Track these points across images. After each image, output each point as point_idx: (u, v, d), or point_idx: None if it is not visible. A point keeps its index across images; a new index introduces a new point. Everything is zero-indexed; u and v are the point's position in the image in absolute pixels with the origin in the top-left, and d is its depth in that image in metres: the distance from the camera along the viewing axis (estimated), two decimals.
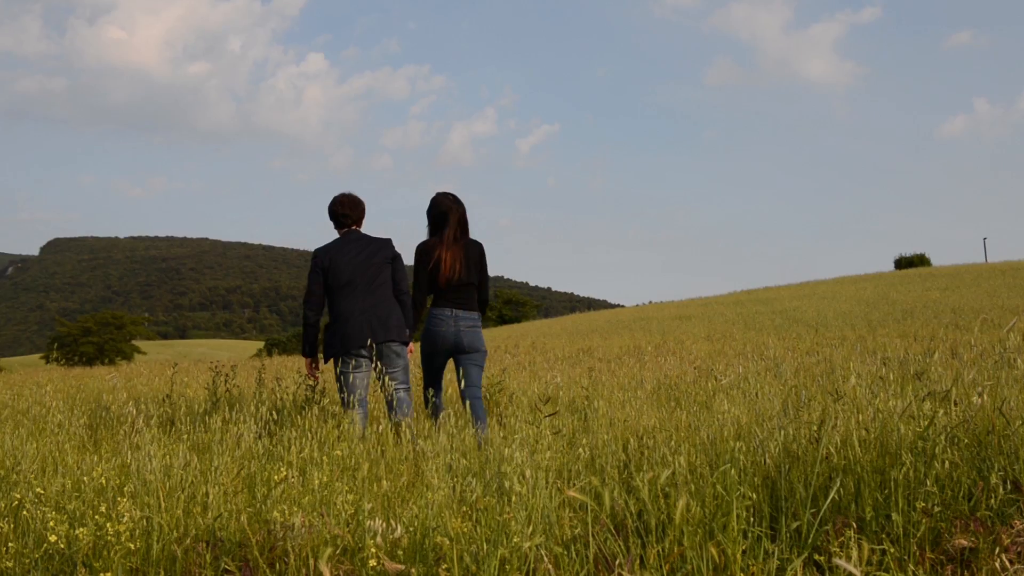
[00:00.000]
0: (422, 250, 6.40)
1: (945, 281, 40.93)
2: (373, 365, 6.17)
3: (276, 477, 4.04)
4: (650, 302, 63.21)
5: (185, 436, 5.46)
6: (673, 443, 4.88)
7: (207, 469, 4.34)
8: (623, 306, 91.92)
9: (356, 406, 6.05)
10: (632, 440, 4.94)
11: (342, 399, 6.12)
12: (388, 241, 6.41)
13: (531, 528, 3.40)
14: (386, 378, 6.08)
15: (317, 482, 4.04)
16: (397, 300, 6.30)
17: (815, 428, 4.73)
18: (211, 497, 3.84)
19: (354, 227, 6.49)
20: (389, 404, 6.23)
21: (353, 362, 6.12)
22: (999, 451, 4.55)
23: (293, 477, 4.14)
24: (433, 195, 6.55)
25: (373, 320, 6.14)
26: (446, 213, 6.42)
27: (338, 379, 6.19)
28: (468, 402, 5.89)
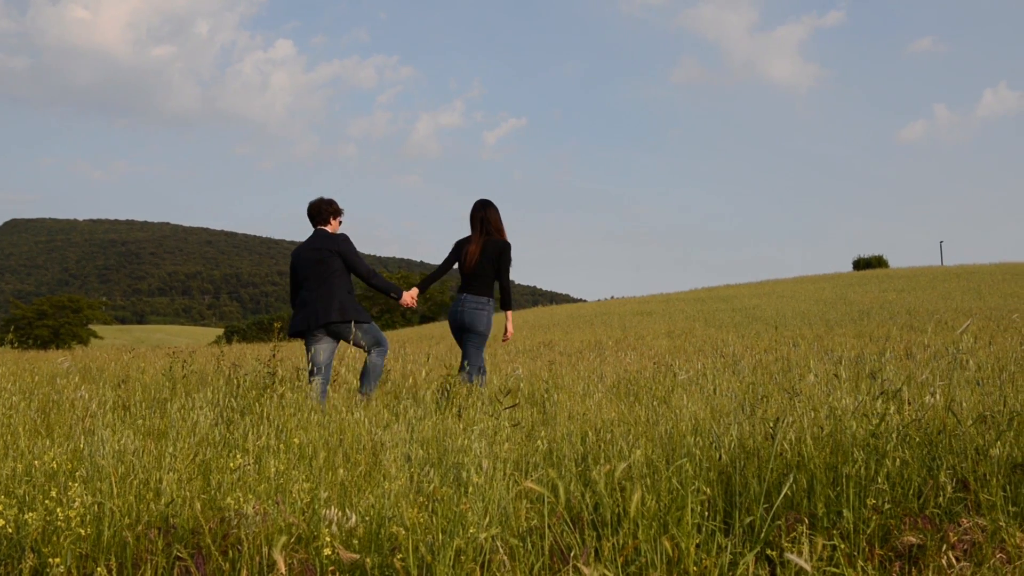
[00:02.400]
0: (456, 244, 7.68)
1: (902, 283, 41.86)
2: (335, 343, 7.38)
3: (232, 464, 4.01)
4: (612, 297, 62.77)
5: (140, 422, 5.41)
6: (631, 437, 4.90)
7: (162, 455, 4.30)
8: (585, 301, 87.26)
9: (318, 374, 7.17)
10: (590, 433, 4.96)
11: (309, 369, 7.29)
12: (338, 237, 7.45)
13: (487, 519, 3.40)
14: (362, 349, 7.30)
15: (273, 470, 4.02)
16: (365, 280, 7.36)
17: (771, 425, 4.77)
18: (165, 483, 3.81)
19: (320, 227, 7.60)
20: (362, 374, 7.40)
21: (312, 339, 7.30)
22: (949, 450, 4.61)
23: (249, 465, 4.11)
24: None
25: (319, 306, 7.24)
26: (472, 216, 7.63)
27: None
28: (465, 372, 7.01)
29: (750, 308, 31.23)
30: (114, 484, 3.70)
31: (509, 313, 7.46)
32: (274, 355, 8.30)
